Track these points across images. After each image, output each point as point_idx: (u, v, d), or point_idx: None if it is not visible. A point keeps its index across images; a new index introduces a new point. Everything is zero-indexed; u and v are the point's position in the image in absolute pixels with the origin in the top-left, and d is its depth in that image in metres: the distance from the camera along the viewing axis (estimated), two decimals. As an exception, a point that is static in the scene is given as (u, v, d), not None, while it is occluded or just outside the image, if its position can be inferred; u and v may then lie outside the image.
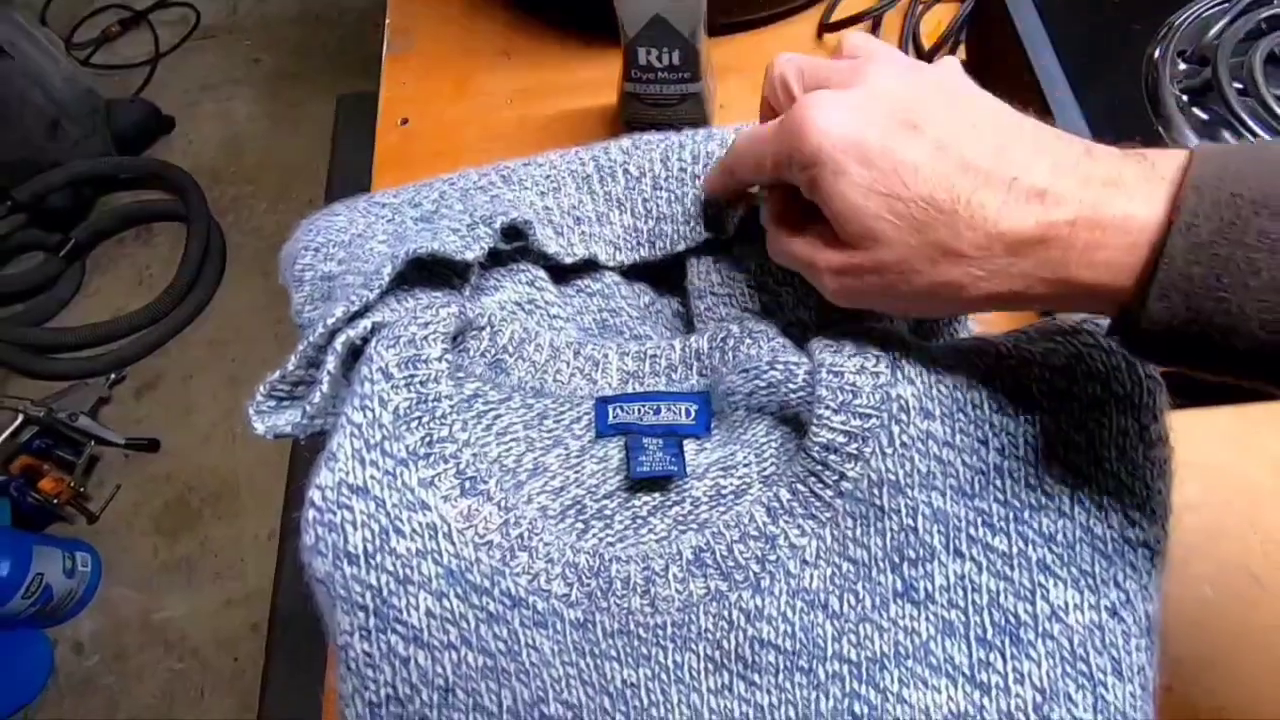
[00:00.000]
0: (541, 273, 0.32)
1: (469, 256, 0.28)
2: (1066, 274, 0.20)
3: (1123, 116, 0.34)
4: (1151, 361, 0.23)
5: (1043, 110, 0.35)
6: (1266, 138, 0.31)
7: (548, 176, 0.34)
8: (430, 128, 0.45)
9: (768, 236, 0.27)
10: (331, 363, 0.24)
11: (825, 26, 0.45)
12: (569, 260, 0.32)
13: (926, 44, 0.44)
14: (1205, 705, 0.28)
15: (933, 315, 0.29)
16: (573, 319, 0.33)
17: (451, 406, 0.25)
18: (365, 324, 0.25)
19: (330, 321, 0.24)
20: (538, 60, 0.46)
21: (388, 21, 0.49)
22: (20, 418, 1.17)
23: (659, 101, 0.38)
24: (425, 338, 0.25)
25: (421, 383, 0.24)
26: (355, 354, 0.25)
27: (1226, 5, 0.35)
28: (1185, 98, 0.34)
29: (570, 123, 0.44)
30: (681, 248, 0.33)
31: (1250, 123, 0.32)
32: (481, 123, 0.44)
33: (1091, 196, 0.20)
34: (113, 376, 1.29)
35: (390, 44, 0.48)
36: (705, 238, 0.32)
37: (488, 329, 0.28)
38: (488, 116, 0.45)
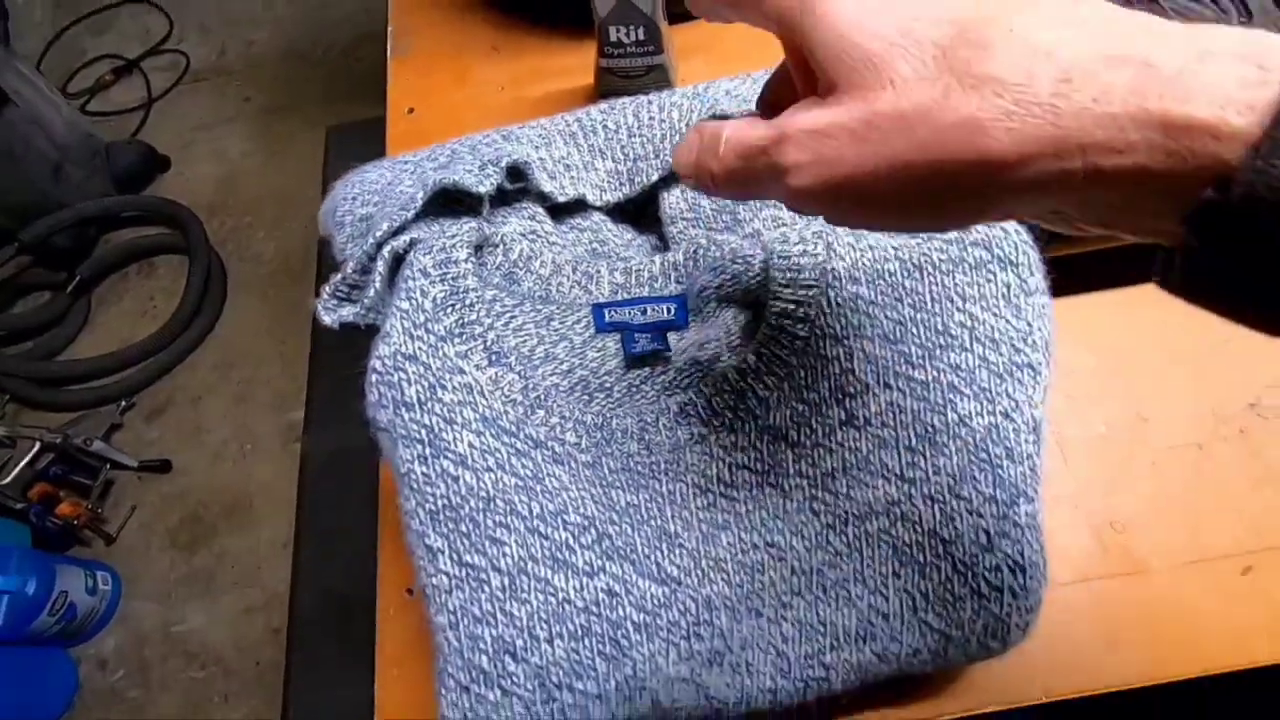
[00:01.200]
0: (540, 210, 0.38)
1: (482, 190, 0.34)
2: (1162, 107, 0.14)
3: None
4: (1235, 276, 0.16)
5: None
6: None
7: (540, 135, 0.41)
8: (434, 114, 0.51)
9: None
10: (381, 266, 0.30)
11: (769, 10, 0.53)
12: (562, 199, 0.39)
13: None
14: (1103, 517, 0.35)
15: (922, 219, 0.20)
16: (569, 247, 0.39)
17: (478, 297, 0.31)
18: (405, 239, 0.31)
19: (378, 234, 0.30)
20: (524, 52, 0.53)
21: (390, 29, 0.56)
22: (37, 445, 1.21)
23: (629, 74, 0.45)
24: (454, 245, 0.31)
25: (454, 278, 0.31)
26: (398, 263, 0.31)
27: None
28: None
29: (556, 101, 0.50)
30: (655, 178, 0.39)
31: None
32: (479, 106, 0.51)
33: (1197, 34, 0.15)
34: (123, 403, 1.34)
35: (394, 48, 0.55)
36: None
37: (501, 246, 0.35)
38: (485, 101, 0.51)
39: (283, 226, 1.55)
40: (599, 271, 0.37)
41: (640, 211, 0.42)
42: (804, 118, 0.18)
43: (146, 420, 1.36)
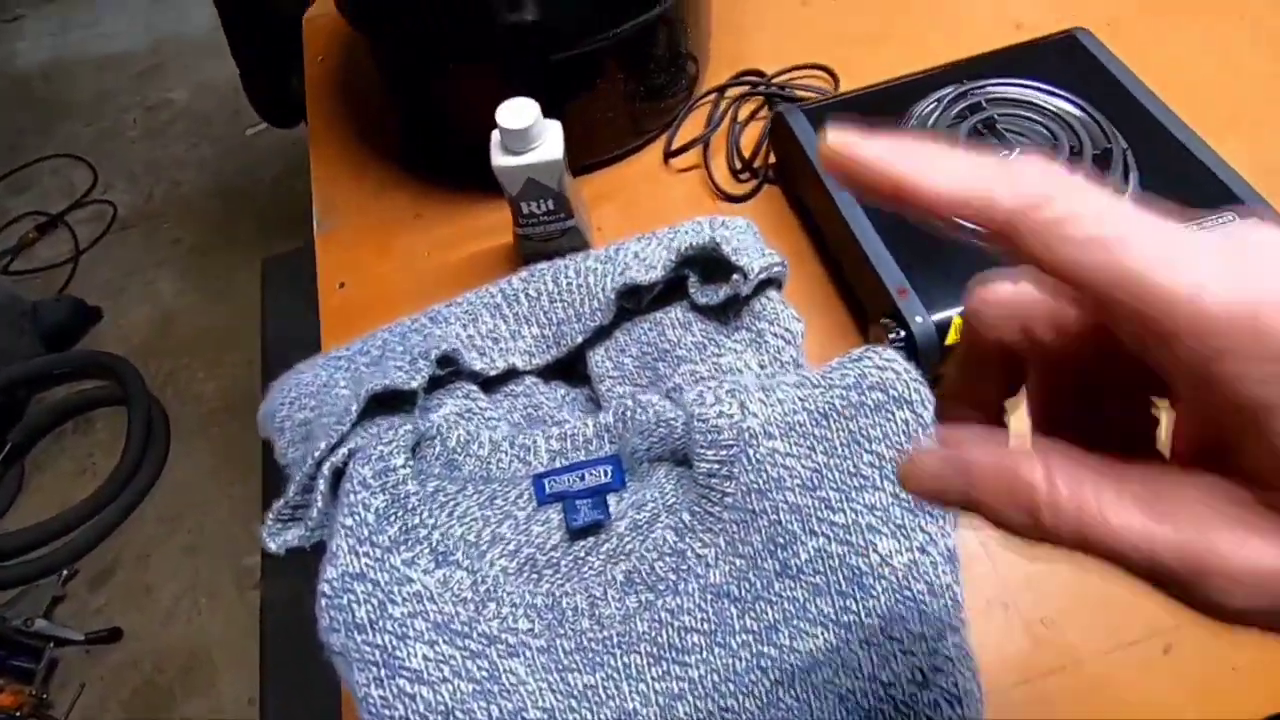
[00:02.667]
0: (474, 387, 0.40)
1: (414, 385, 0.36)
2: None
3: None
4: None
5: (829, 204, 0.46)
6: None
7: (466, 311, 0.43)
8: (364, 286, 0.53)
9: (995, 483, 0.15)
10: (322, 485, 0.31)
11: (669, 154, 0.57)
12: (493, 372, 0.41)
13: (747, 154, 0.56)
14: (1034, 614, 0.37)
15: None
16: (504, 418, 0.41)
17: (419, 501, 0.32)
18: (343, 451, 0.33)
19: (316, 455, 0.32)
20: (445, 217, 0.56)
21: (314, 207, 0.58)
22: (-29, 633, 1.14)
23: (544, 239, 0.48)
24: (391, 452, 0.33)
25: (394, 485, 0.32)
26: (338, 476, 0.33)
27: (943, 98, 0.48)
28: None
29: (480, 262, 0.53)
30: (580, 340, 0.42)
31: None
32: (407, 274, 0.54)
33: None
34: (64, 573, 1.27)
35: (319, 225, 0.57)
36: (595, 327, 0.42)
37: (438, 437, 0.36)
38: (411, 268, 0.54)
39: (223, 363, 1.53)
40: (535, 442, 0.39)
41: (568, 368, 0.44)
42: (1253, 550, 0.13)
43: (91, 587, 1.29)
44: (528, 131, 0.42)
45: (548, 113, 0.43)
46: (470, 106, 0.54)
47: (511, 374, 0.42)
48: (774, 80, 0.60)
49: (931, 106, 0.48)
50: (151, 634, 1.24)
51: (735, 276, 0.38)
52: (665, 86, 0.56)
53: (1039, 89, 0.48)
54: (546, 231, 0.47)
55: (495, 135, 0.43)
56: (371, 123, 0.64)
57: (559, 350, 0.42)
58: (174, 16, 2.00)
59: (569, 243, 0.49)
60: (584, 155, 0.56)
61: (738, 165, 0.55)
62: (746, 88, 0.60)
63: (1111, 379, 0.16)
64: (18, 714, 1.11)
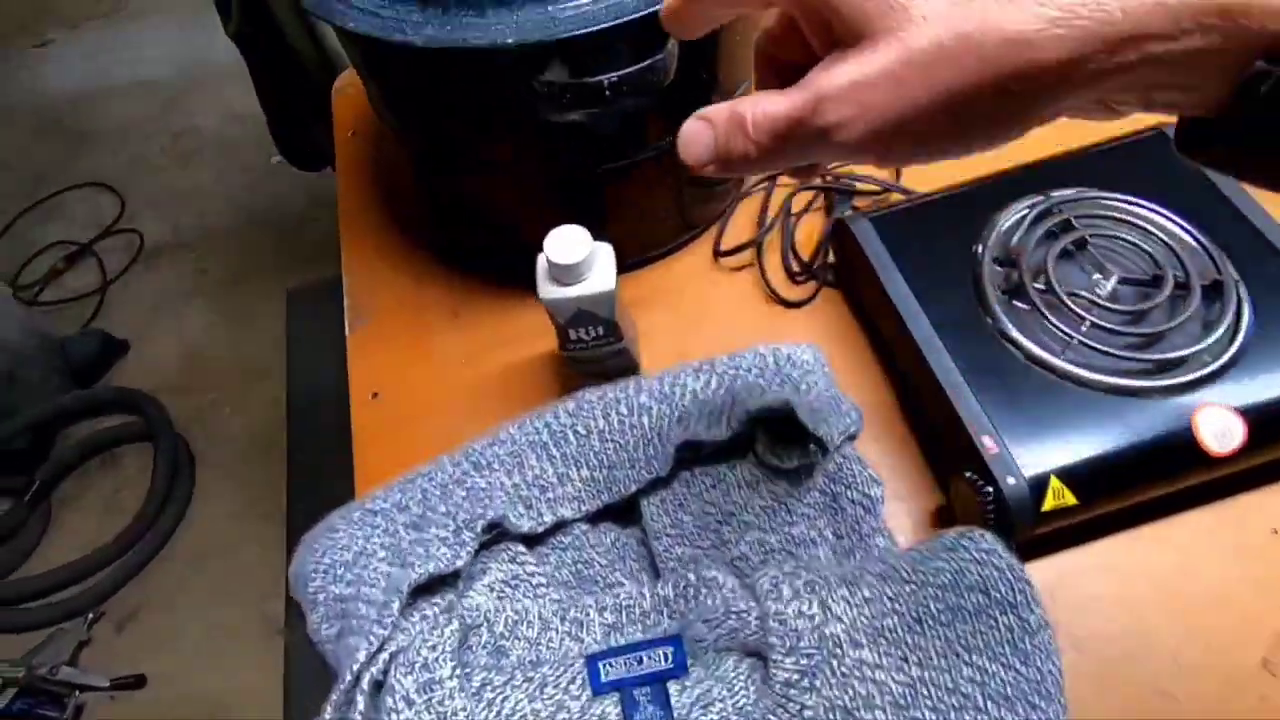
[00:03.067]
0: (520, 546, 0.37)
1: (459, 565, 0.33)
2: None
3: (960, 314, 0.42)
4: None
5: (906, 336, 0.42)
6: (1066, 328, 0.39)
7: (510, 454, 0.40)
8: (399, 397, 0.51)
9: (754, 118, 0.21)
10: (361, 703, 0.28)
11: (719, 253, 0.54)
12: (541, 530, 0.38)
13: (804, 255, 0.52)
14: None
15: (978, 140, 0.19)
16: (552, 578, 0.38)
17: (467, 716, 0.29)
18: (383, 658, 0.30)
19: (355, 668, 0.29)
20: (484, 316, 0.53)
21: (346, 301, 0.56)
22: (-1, 682, 1.13)
23: (592, 359, 0.45)
24: (436, 659, 0.30)
25: (439, 702, 0.29)
26: (378, 687, 0.30)
27: (1026, 212, 0.44)
28: (1004, 296, 0.42)
29: (522, 373, 0.50)
30: (634, 489, 0.39)
31: (1050, 316, 0.40)
32: (444, 385, 0.51)
33: None
34: (90, 616, 1.27)
35: (350, 323, 0.55)
36: (651, 478, 0.38)
37: (484, 625, 0.33)
38: (449, 377, 0.51)
39: (250, 399, 1.52)
40: (588, 615, 0.36)
41: (620, 511, 0.41)
42: (837, 73, 0.19)
43: (117, 630, 1.29)
44: (578, 265, 0.39)
45: (591, 216, 0.40)
46: (510, 208, 0.51)
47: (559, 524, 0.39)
48: (831, 170, 0.56)
49: (1014, 221, 0.44)
50: (177, 681, 1.23)
51: (812, 446, 0.35)
52: (718, 180, 0.52)
53: (1131, 203, 0.44)
54: (595, 355, 0.44)
55: (542, 262, 0.40)
56: (405, 206, 0.61)
57: (610, 496, 0.39)
58: (202, 43, 2.00)
59: (617, 364, 0.45)
60: (629, 254, 0.53)
61: (794, 267, 0.52)
62: (800, 179, 0.56)
63: (802, 56, 0.22)
64: (44, 764, 1.11)
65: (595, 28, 0.34)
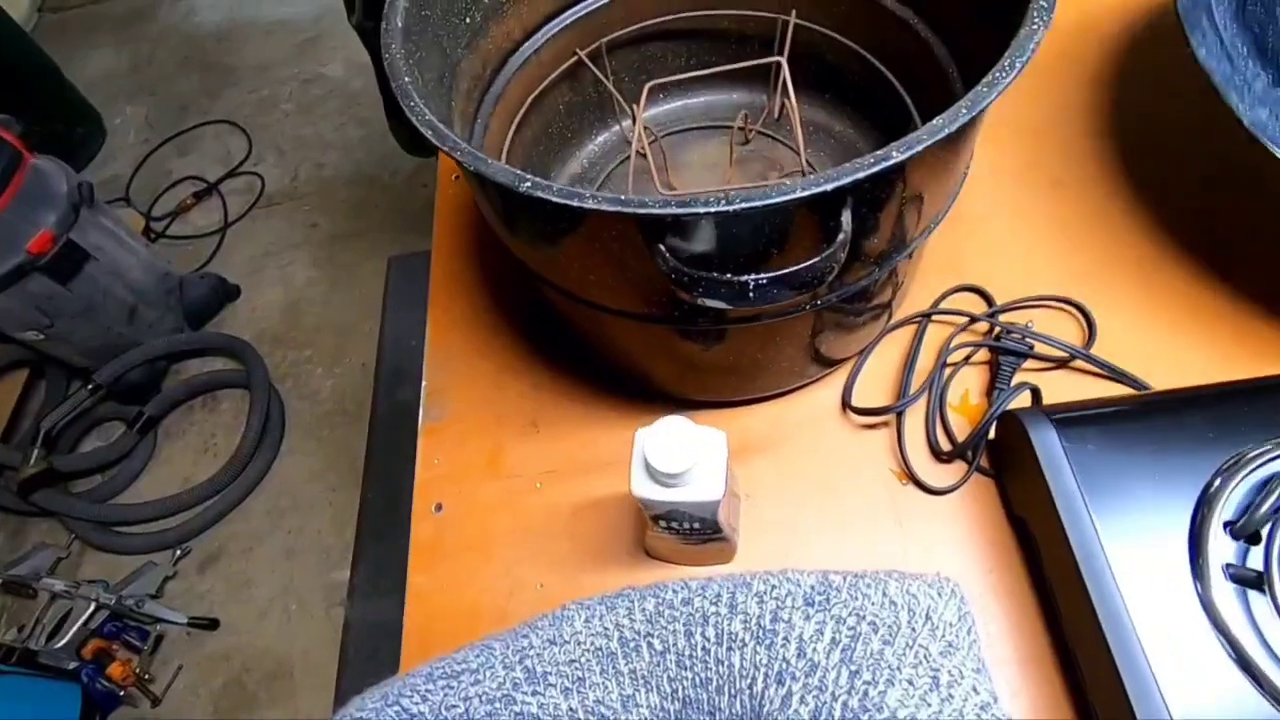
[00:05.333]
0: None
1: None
2: None
3: (1161, 580, 0.32)
4: None
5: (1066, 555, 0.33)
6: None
7: (572, 662, 0.34)
8: (462, 515, 0.46)
9: None
10: None
11: (849, 404, 0.45)
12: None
13: (955, 424, 0.43)
14: None
15: None
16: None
17: None
18: None
19: None
20: (563, 434, 0.47)
21: (424, 384, 0.51)
22: (93, 605, 1.22)
23: (681, 544, 0.38)
24: None
25: None
26: None
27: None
28: (1232, 578, 0.32)
29: (596, 515, 0.44)
30: (710, 738, 0.32)
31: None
32: (512, 509, 0.45)
33: None
34: (178, 553, 1.35)
35: (426, 411, 0.50)
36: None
37: None
38: (517, 502, 0.46)
39: (341, 363, 1.55)
40: None
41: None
42: None
43: (199, 570, 1.36)
44: (682, 474, 0.31)
45: (704, 358, 0.33)
46: (615, 336, 0.44)
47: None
48: (1001, 313, 0.46)
49: (1275, 474, 0.33)
50: (245, 630, 1.29)
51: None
52: (859, 324, 0.43)
53: None
54: (686, 543, 0.37)
55: (637, 453, 0.33)
56: (501, 270, 0.55)
57: (679, 738, 0.33)
58: (339, -12, 1.99)
59: (709, 553, 0.39)
60: (743, 393, 0.45)
61: (941, 443, 0.43)
62: (962, 321, 0.46)
63: None
64: (123, 685, 1.20)
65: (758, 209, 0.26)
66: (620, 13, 0.51)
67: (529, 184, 0.29)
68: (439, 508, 0.46)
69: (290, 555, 1.36)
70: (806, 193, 0.26)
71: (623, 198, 0.27)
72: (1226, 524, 0.33)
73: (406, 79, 0.34)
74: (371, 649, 1.21)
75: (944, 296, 0.48)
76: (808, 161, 0.52)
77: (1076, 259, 0.48)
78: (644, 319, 0.37)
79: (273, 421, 1.46)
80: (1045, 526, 0.36)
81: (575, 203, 0.28)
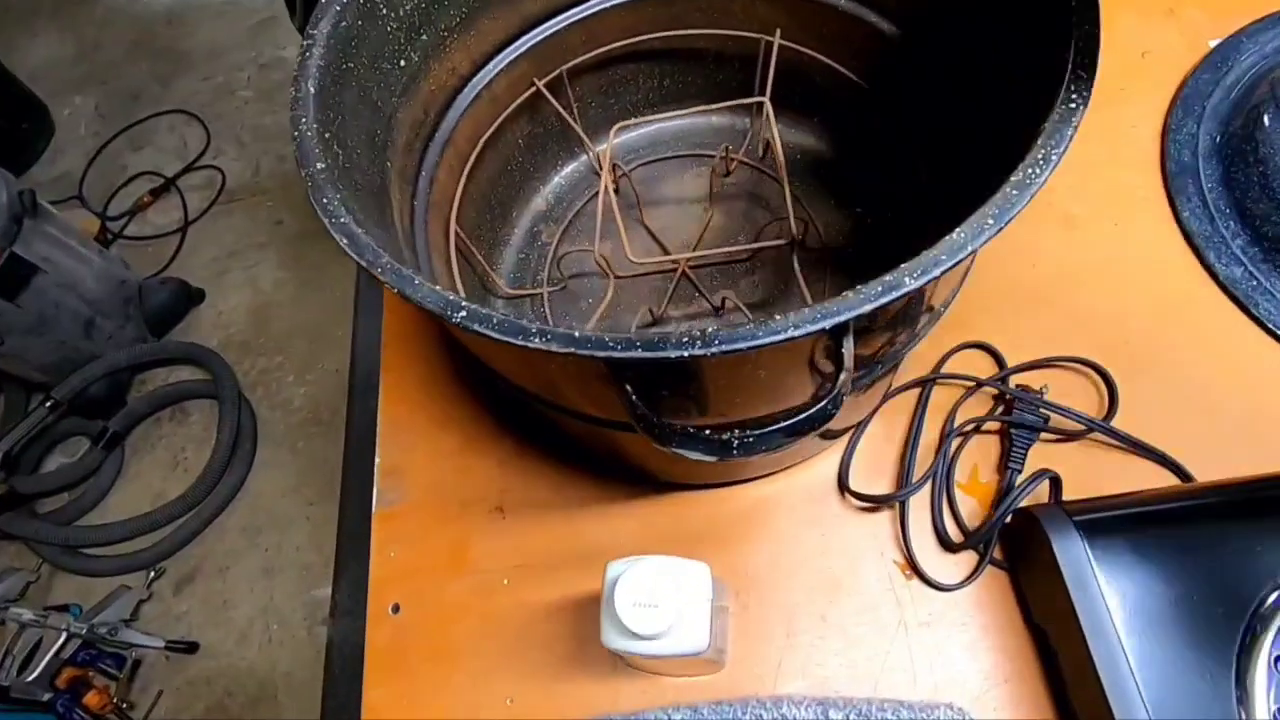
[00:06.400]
0: None
1: None
2: None
3: (1198, 711, 0.29)
4: None
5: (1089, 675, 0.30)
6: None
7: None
8: (422, 617, 0.41)
9: None
10: None
11: (847, 486, 0.41)
12: None
13: (965, 509, 0.39)
14: None
15: None
16: None
17: None
18: None
19: None
20: (533, 524, 0.43)
21: (377, 461, 0.46)
22: (64, 636, 1.18)
23: (663, 671, 0.34)
24: None
25: None
26: None
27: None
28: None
29: (571, 619, 0.40)
30: None
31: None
32: (478, 610, 0.41)
33: None
34: (152, 574, 1.30)
35: (380, 495, 0.45)
36: None
37: None
38: (481, 604, 0.41)
39: (313, 369, 1.49)
40: None
41: None
42: None
43: (175, 590, 1.32)
44: (659, 634, 0.27)
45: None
46: (579, 434, 0.39)
47: None
48: (1012, 376, 0.41)
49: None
50: (226, 653, 1.26)
51: None
52: (857, 400, 0.39)
53: None
54: (667, 670, 0.33)
55: (606, 599, 0.29)
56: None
57: None
58: (293, -36, 1.87)
59: (696, 666, 0.34)
60: (730, 474, 0.41)
61: (950, 532, 0.39)
62: (969, 385, 0.42)
63: None
64: (101, 712, 1.16)
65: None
66: (581, 36, 0.45)
67: (464, 314, 0.24)
68: (396, 609, 0.42)
69: (269, 573, 1.31)
70: (800, 331, 0.21)
71: (576, 334, 0.22)
72: (1278, 658, 0.29)
73: (319, 166, 0.28)
74: (357, 668, 1.18)
75: (949, 355, 0.43)
76: (794, 195, 0.47)
77: (1091, 309, 0.43)
78: (614, 426, 0.32)
79: (244, 434, 1.41)
80: (1068, 645, 0.32)
81: (519, 340, 0.23)
